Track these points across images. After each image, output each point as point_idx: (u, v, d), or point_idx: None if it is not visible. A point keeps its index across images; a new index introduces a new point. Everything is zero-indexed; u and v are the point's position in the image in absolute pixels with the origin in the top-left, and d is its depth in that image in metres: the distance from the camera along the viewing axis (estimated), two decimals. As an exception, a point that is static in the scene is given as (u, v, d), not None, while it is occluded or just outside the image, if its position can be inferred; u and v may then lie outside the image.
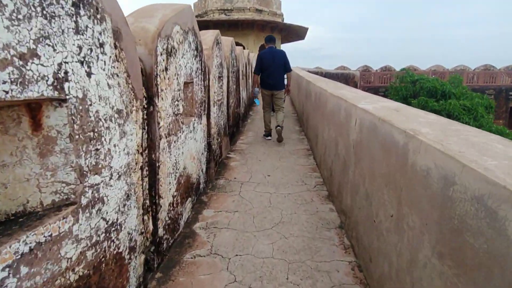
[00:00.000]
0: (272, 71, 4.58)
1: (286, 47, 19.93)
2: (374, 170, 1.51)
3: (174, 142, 1.91)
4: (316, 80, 5.30)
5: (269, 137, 4.74)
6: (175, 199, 1.94)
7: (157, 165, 1.61)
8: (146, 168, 1.55)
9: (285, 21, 17.34)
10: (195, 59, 2.49)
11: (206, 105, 2.83)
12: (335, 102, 2.71)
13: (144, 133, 1.51)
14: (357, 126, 1.94)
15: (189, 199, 2.28)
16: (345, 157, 2.18)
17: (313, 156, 3.80)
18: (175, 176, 1.94)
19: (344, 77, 14.87)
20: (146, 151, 1.55)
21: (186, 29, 2.23)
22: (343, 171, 2.19)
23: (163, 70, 1.69)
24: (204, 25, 16.49)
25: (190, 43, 2.33)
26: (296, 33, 18.65)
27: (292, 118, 6.98)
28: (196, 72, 2.52)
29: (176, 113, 1.93)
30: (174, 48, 1.92)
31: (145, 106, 1.52)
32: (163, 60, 1.70)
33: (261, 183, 2.91)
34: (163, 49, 1.70)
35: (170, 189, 1.83)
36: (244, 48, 16.60)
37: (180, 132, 2.03)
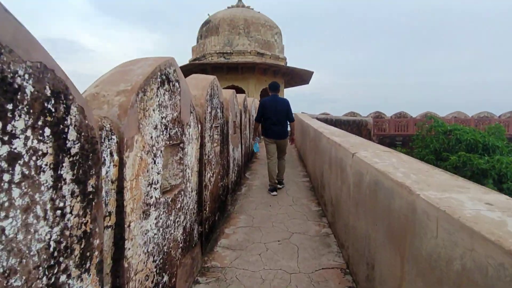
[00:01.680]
0: (275, 119, 4.45)
1: (288, 92, 18.89)
2: None
3: None
4: (332, 133, 3.70)
5: (275, 193, 4.34)
6: None
7: None
8: None
9: (288, 65, 16.52)
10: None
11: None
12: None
13: None
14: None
15: None
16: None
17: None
18: None
19: (356, 125, 13.44)
20: None
21: None
22: None
23: None
24: (202, 68, 15.65)
25: None
26: (300, 77, 17.79)
27: (304, 187, 5.19)
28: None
29: None
30: None
31: None
32: None
33: None
34: None
35: None
36: (244, 93, 15.53)
37: None
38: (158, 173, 1.55)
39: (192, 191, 2.20)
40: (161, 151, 1.58)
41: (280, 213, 3.56)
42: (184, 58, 17.47)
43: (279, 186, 4.60)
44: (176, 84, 1.79)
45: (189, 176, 2.09)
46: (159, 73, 1.53)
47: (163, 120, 1.60)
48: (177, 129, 1.82)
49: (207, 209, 2.67)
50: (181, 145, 1.96)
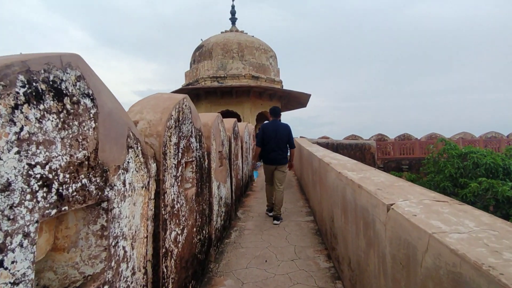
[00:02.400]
0: (275, 145, 4.43)
1: (285, 115, 18.31)
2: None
3: None
4: (342, 166, 2.93)
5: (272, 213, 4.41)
6: None
7: None
8: None
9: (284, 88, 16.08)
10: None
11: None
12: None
13: None
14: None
15: None
16: None
17: None
18: None
19: (359, 149, 12.72)
20: None
21: None
22: None
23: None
24: (195, 93, 15.15)
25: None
26: (297, 100, 17.32)
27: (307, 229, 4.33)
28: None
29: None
30: None
31: None
32: None
33: None
34: None
35: None
36: (239, 117, 14.92)
37: None
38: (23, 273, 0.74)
39: (133, 274, 1.37)
40: (33, 231, 0.78)
41: (279, 274, 2.69)
42: (180, 85, 17.02)
43: (276, 222, 4.21)
44: (83, 100, 1.02)
45: (122, 254, 1.27)
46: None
47: (36, 168, 0.81)
48: (87, 179, 1.03)
49: (171, 286, 1.82)
50: (104, 204, 1.16)
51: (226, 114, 15.52)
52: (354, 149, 12.43)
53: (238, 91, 14.74)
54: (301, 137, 15.93)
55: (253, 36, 17.03)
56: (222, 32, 17.46)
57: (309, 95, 16.01)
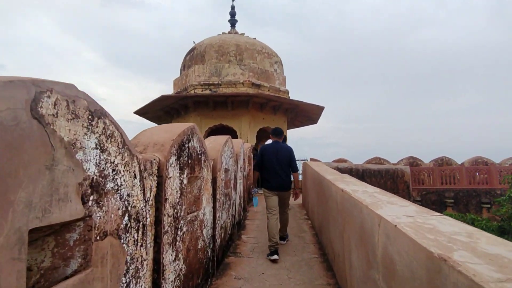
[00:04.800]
0: (276, 169, 4.06)
1: (290, 134, 15.43)
2: None
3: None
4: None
5: (276, 256, 3.66)
6: None
7: None
8: None
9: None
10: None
11: None
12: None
13: None
14: None
15: None
16: None
17: None
18: None
19: (390, 176, 9.95)
20: None
21: None
22: None
23: None
24: (182, 104, 12.67)
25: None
26: (306, 114, 14.77)
27: None
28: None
29: None
30: None
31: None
32: None
33: None
34: None
35: None
36: (236, 134, 12.32)
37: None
38: None
39: None
40: None
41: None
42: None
43: (281, 242, 4.15)
44: None
45: None
46: None
47: None
48: None
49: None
50: None
51: (219, 130, 12.95)
52: (384, 177, 9.67)
53: (235, 101, 12.24)
54: (311, 159, 13.21)
55: (254, 38, 14.77)
56: (218, 35, 15.25)
57: (321, 108, 13.45)
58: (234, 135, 12.12)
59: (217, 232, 3.32)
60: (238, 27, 16.49)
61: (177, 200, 2.08)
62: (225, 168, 3.83)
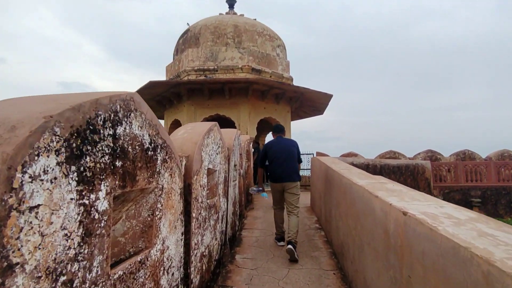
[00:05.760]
0: (282, 159, 3.93)
1: (292, 126, 14.10)
2: None
3: None
4: None
5: (282, 243, 3.95)
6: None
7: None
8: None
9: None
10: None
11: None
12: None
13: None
14: None
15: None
16: None
17: None
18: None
19: (410, 172, 8.79)
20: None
21: None
22: None
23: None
24: (175, 92, 11.49)
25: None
26: (312, 104, 13.53)
27: None
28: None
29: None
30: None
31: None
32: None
33: None
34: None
35: None
36: (234, 125, 11.15)
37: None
38: None
39: None
40: None
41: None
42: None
43: (290, 246, 3.46)
44: None
45: None
46: None
47: None
48: None
49: None
50: None
51: (216, 121, 11.78)
52: (404, 173, 8.51)
53: (233, 88, 11.03)
54: (318, 153, 12.04)
55: (255, 19, 13.46)
56: (215, 16, 13.94)
57: (329, 96, 12.21)
58: (232, 126, 10.95)
59: (193, 269, 2.17)
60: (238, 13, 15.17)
61: (67, 252, 0.93)
62: (209, 168, 2.67)
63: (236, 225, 4.34)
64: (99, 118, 1.10)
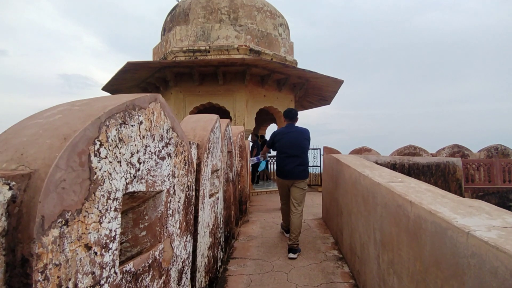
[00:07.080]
0: (293, 155, 3.72)
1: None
2: None
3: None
4: None
5: (288, 235, 3.96)
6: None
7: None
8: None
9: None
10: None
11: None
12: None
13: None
14: None
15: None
16: None
17: None
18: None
19: (440, 171, 7.36)
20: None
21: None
22: None
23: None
24: (160, 77, 9.97)
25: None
26: (318, 92, 12.00)
27: None
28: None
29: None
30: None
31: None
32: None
33: None
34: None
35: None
36: (228, 115, 9.67)
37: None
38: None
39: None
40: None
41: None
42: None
43: (291, 255, 3.42)
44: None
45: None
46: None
47: None
48: None
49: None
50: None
51: (208, 111, 10.26)
52: (434, 174, 7.07)
53: (228, 72, 9.50)
54: (326, 148, 10.55)
55: (254, -6, 11.83)
56: (208, -8, 12.28)
57: (340, 82, 10.66)
58: (227, 117, 9.44)
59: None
60: None
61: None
62: (134, 191, 1.19)
63: (219, 259, 2.88)
64: None
